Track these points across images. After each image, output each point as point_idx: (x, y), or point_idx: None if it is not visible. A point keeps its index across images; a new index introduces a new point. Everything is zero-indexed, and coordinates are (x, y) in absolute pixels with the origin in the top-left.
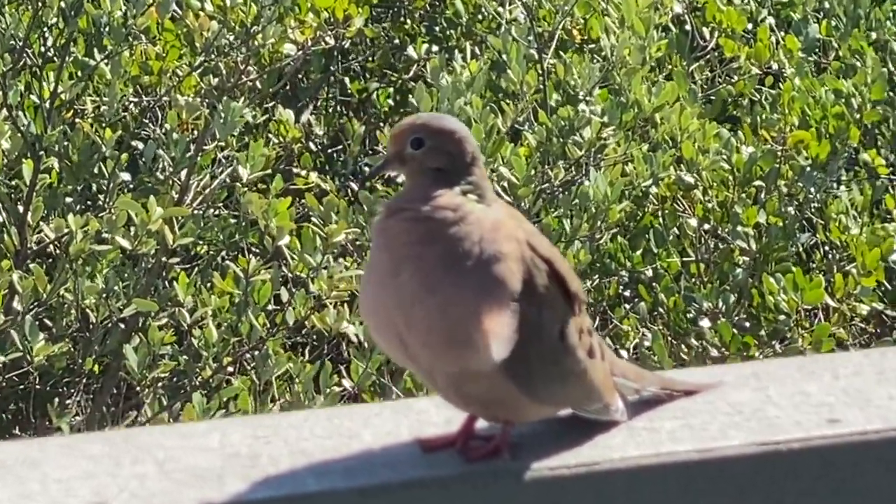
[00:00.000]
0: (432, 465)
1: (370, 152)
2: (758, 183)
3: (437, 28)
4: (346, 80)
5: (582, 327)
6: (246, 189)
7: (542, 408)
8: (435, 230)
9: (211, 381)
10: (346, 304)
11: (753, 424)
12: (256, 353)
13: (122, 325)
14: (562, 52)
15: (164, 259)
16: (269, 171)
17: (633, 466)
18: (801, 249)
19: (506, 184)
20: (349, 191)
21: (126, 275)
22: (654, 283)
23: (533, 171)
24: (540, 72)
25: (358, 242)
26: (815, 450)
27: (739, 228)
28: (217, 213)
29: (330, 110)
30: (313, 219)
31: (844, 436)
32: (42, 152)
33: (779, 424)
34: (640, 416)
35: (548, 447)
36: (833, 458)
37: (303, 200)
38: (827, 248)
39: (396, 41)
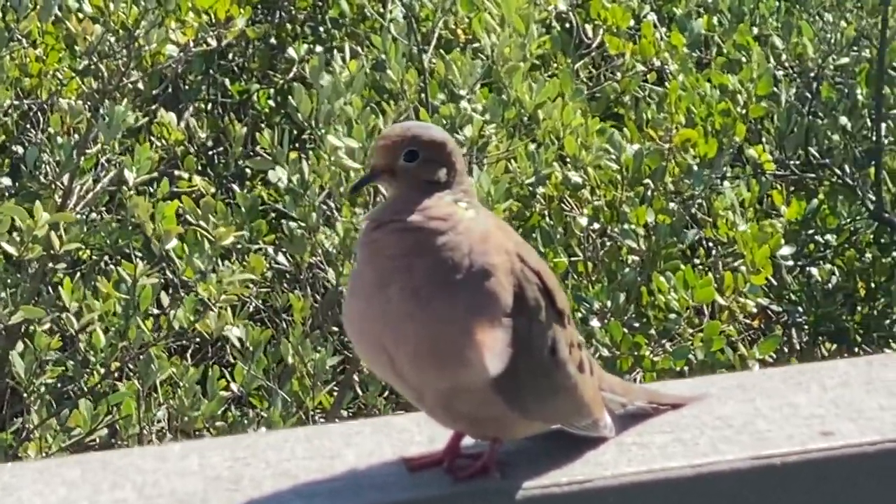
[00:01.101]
0: (419, 486)
1: (251, 154)
2: (647, 181)
3: (321, 29)
4: (227, 81)
5: (572, 341)
6: (132, 192)
7: (531, 424)
8: (423, 241)
9: (98, 386)
10: (229, 308)
11: (745, 438)
12: (140, 358)
13: (4, 332)
14: (445, 52)
15: (50, 265)
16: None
17: (625, 483)
18: (686, 246)
19: None
20: (231, 192)
21: (10, 281)
22: None
23: None
24: (421, 70)
25: (238, 245)
26: (810, 463)
27: (627, 227)
28: (100, 216)
29: (214, 112)
30: (202, 222)
31: (839, 448)
32: None
33: (771, 438)
34: (628, 430)
35: (537, 465)
36: (827, 471)
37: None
38: (711, 244)
39: (277, 42)
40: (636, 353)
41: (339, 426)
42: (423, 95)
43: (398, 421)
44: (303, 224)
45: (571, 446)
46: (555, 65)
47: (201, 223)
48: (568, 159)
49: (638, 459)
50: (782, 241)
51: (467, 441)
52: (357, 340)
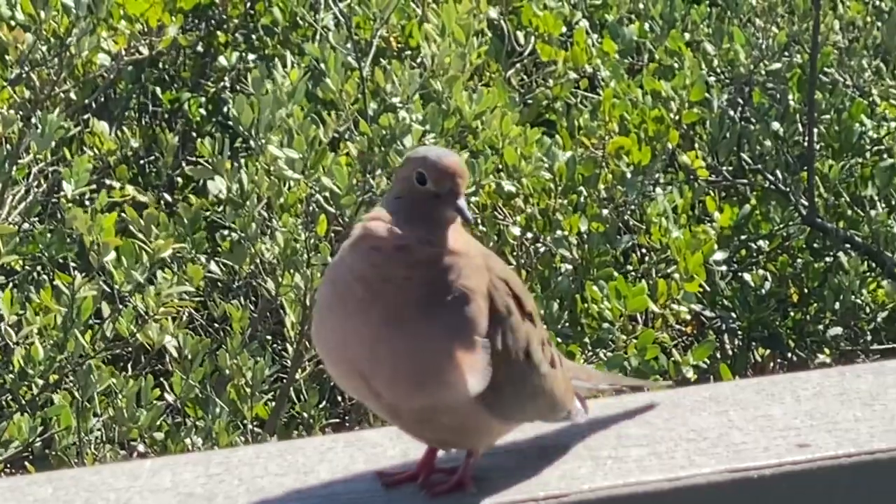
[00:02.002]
0: (394, 502)
1: (183, 163)
2: (581, 189)
3: (254, 36)
4: (158, 89)
5: (542, 339)
6: (70, 205)
7: (508, 427)
8: (433, 260)
9: (37, 399)
10: (169, 317)
11: (720, 451)
12: (79, 369)
13: None
14: (381, 60)
15: None
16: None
17: (602, 497)
18: (618, 253)
19: (328, 194)
20: (164, 202)
21: None
22: None
23: (354, 181)
24: (359, 80)
25: (179, 255)
26: (787, 476)
27: (560, 235)
28: (32, 227)
29: (143, 121)
30: (138, 234)
31: (816, 461)
32: None
33: (746, 450)
34: (603, 444)
35: (513, 479)
36: (804, 484)
37: (122, 212)
38: (644, 250)
39: (208, 50)
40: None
41: (311, 441)
42: (361, 105)
43: (371, 435)
44: (242, 234)
45: (546, 459)
46: (488, 73)
47: (139, 235)
48: (502, 169)
49: (614, 473)
50: (715, 248)
51: (441, 455)
52: (328, 360)
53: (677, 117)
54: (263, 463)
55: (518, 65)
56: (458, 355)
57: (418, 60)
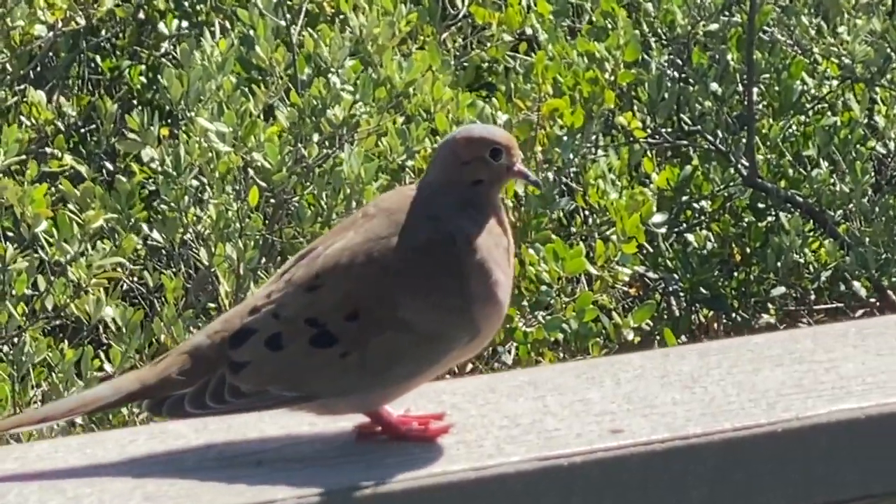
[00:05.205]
0: (206, 497)
1: (124, 130)
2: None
3: (186, 3)
4: (98, 58)
5: None
6: (2, 175)
7: None
8: None
9: None
10: (104, 290)
11: (532, 438)
12: (14, 342)
13: None
14: (311, 26)
15: None
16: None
17: (408, 489)
18: (560, 215)
19: (258, 165)
20: (104, 171)
21: None
22: None
23: (287, 150)
24: (290, 46)
25: (111, 226)
26: (598, 463)
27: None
28: None
29: (81, 90)
30: (71, 206)
31: (628, 447)
32: None
33: (559, 437)
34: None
35: (318, 472)
36: (615, 471)
37: (58, 184)
38: (587, 213)
39: (145, 17)
40: (508, 325)
41: (113, 433)
42: (292, 72)
43: (173, 427)
44: (174, 206)
45: (353, 451)
46: (422, 37)
47: (70, 206)
48: (439, 135)
49: (420, 463)
50: (654, 209)
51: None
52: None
53: (613, 78)
54: (63, 457)
55: (454, 28)
56: None
57: (354, 29)
